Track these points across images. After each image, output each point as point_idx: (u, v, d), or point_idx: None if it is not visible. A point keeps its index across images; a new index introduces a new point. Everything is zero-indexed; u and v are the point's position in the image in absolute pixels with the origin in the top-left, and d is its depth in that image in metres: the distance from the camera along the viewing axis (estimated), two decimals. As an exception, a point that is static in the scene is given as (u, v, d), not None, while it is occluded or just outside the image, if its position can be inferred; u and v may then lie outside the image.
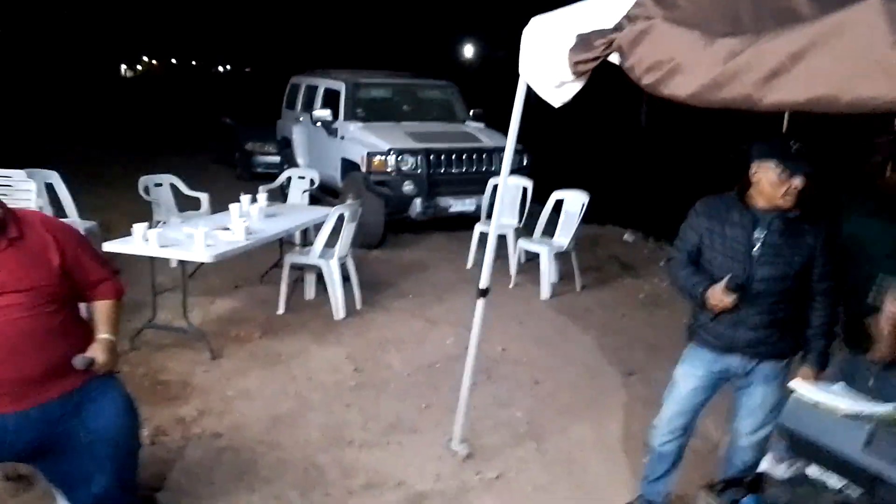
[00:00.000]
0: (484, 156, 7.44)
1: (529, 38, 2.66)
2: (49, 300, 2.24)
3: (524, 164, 7.47)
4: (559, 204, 6.00)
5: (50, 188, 5.76)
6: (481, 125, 8.25)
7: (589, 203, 5.77)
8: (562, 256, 5.93)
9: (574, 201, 5.84)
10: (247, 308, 5.29)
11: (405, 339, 4.80)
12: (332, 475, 3.13)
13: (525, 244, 6.01)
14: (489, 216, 6.64)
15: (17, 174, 4.54)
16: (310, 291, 5.44)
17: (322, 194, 7.90)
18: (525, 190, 6.47)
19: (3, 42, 15.41)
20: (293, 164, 9.02)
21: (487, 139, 7.69)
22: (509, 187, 6.25)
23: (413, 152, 7.14)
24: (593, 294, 5.90)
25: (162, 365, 4.23)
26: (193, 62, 51.33)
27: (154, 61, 55.64)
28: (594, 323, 5.24)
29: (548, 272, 5.71)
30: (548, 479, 3.17)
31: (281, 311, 5.14)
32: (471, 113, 8.60)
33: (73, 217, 5.66)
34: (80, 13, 24.77)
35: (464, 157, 7.35)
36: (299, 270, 5.35)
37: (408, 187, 7.06)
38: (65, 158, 12.29)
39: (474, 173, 7.33)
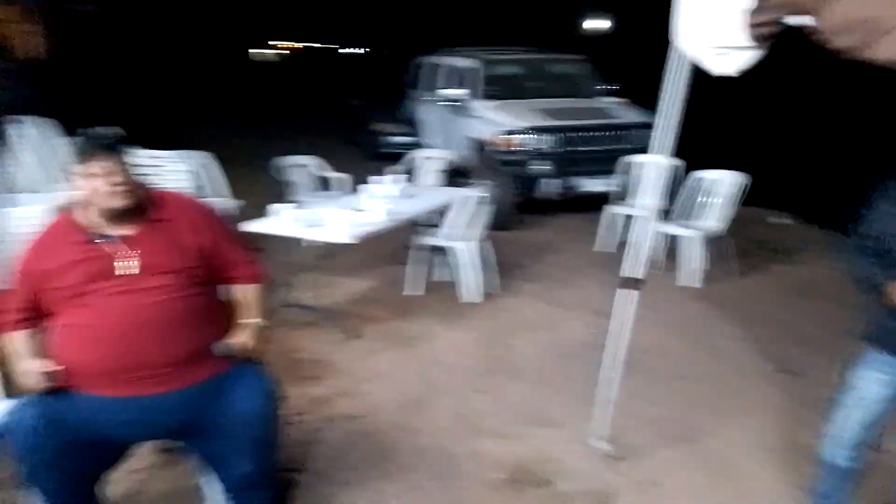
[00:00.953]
0: (620, 133, 7.08)
1: (689, 1, 2.39)
2: (191, 282, 2.25)
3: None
4: (705, 184, 5.60)
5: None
6: (618, 100, 7.86)
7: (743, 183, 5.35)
8: (706, 241, 5.54)
9: (726, 182, 5.42)
10: (378, 288, 5.30)
11: (536, 324, 4.64)
12: (468, 467, 3.03)
13: (667, 227, 5.65)
14: (625, 197, 6.32)
15: (170, 156, 4.72)
16: (439, 273, 5.38)
17: (450, 174, 7.83)
18: (668, 169, 6.07)
19: (142, 31, 16.44)
20: (420, 144, 9.01)
21: (624, 115, 7.31)
22: (653, 166, 5.90)
23: (544, 130, 6.90)
24: (741, 281, 5.47)
25: (297, 344, 4.30)
26: (324, 45, 52.76)
27: (288, 45, 57.66)
28: (742, 313, 4.85)
29: (691, 257, 5.34)
30: (704, 485, 2.92)
31: (411, 291, 5.11)
32: (606, 88, 8.22)
33: (224, 197, 5.83)
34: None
35: (598, 134, 7.03)
36: (429, 251, 5.29)
37: (538, 166, 6.84)
38: (201, 141, 12.93)
39: (609, 151, 6.98)
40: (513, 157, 6.88)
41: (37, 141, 4.60)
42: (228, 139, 13.47)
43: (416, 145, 8.72)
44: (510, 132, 6.91)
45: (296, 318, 4.63)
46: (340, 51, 44.80)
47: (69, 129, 5.11)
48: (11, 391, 2.29)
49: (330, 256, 5.60)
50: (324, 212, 4.42)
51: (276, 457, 2.46)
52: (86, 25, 13.46)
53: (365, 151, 11.68)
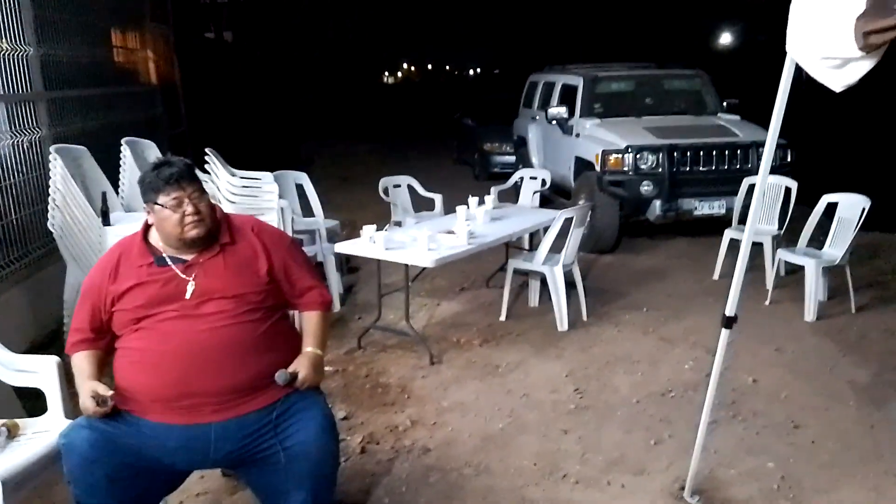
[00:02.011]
0: (738, 152, 6.57)
1: (801, 7, 2.11)
2: (254, 307, 2.21)
3: (787, 160, 6.51)
4: (830, 208, 5.06)
5: (300, 188, 6.15)
6: (736, 117, 7.33)
7: (870, 207, 4.78)
8: (832, 270, 4.99)
9: (850, 206, 4.87)
10: (470, 312, 5.16)
11: (635, 358, 4.32)
12: (541, 514, 2.81)
13: (786, 255, 5.15)
14: (742, 221, 5.84)
15: (266, 176, 4.85)
16: (534, 299, 5.17)
17: (554, 195, 7.60)
18: (788, 191, 5.58)
19: (275, 58, 17.41)
20: (528, 163, 8.84)
21: (742, 133, 6.79)
22: (768, 188, 5.44)
23: (653, 149, 6.52)
24: (873, 317, 4.87)
25: (383, 367, 4.23)
26: (447, 67, 53.87)
27: (412, 68, 59.29)
28: (873, 354, 4.30)
29: (814, 289, 4.83)
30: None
31: (503, 318, 4.94)
32: (724, 104, 7.71)
33: (318, 216, 5.96)
34: (348, 29, 27.36)
35: (713, 153, 6.54)
36: (523, 276, 5.10)
37: (646, 188, 6.46)
38: (323, 160, 13.44)
39: (725, 171, 6.50)
40: (618, 178, 6.54)
41: (137, 161, 4.83)
42: (353, 159, 13.94)
43: (526, 165, 8.56)
44: (614, 151, 6.58)
45: (387, 340, 4.59)
46: (471, 72, 45.69)
47: (181, 152, 5.43)
48: (72, 412, 2.33)
49: (428, 277, 5.53)
50: (412, 234, 4.35)
51: (333, 492, 2.36)
52: (220, 53, 14.40)
53: (477, 171, 11.68)
